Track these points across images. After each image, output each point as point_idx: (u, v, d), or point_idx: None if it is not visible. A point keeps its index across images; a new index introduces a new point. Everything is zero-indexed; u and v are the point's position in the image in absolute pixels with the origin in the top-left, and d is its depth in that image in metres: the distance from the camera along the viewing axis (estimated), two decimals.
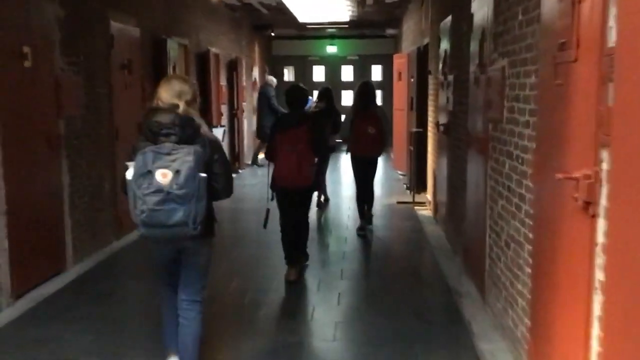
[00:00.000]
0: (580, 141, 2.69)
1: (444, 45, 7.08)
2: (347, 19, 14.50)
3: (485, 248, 4.64)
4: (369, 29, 16.78)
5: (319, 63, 19.38)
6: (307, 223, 5.90)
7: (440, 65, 7.35)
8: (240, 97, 13.29)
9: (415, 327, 4.51)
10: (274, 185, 5.56)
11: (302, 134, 5.42)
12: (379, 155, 7.44)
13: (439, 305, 5.08)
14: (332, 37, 18.44)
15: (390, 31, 16.18)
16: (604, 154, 2.41)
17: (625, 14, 2.18)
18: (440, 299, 5.20)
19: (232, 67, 12.83)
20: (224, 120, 11.79)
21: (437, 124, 7.62)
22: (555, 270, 3.00)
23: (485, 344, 4.10)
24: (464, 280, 5.41)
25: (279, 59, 19.22)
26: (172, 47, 8.78)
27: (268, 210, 5.54)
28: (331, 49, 19.00)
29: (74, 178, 5.99)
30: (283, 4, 11.90)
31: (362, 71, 18.75)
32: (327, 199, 9.24)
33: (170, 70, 8.47)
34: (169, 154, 3.07)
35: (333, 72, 19.13)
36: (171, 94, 3.27)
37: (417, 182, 9.39)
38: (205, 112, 9.77)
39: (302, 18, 14.12)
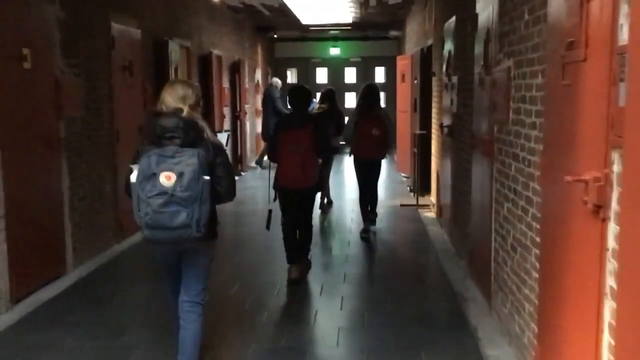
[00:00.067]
0: (589, 143, 2.62)
1: (448, 46, 7.02)
2: (350, 20, 14.47)
3: (491, 252, 4.57)
4: (372, 31, 16.73)
5: (321, 65, 19.34)
6: (311, 225, 5.84)
7: (444, 67, 7.29)
8: (243, 99, 13.26)
9: (420, 332, 4.43)
10: (277, 185, 5.52)
11: (305, 135, 5.39)
12: (382, 157, 7.40)
13: (444, 310, 5.01)
14: (335, 39, 18.39)
15: (393, 33, 16.14)
16: (615, 156, 2.35)
17: (638, 11, 2.11)
18: (445, 303, 5.13)
19: (235, 69, 12.80)
20: (227, 123, 11.74)
21: (441, 126, 7.56)
22: (564, 275, 2.93)
23: (491, 350, 4.04)
24: (469, 285, 5.34)
25: (281, 61, 19.19)
26: (174, 48, 8.73)
27: (270, 211, 5.51)
28: (334, 51, 18.97)
29: (74, 180, 5.94)
30: (285, 6, 11.86)
31: (365, 73, 18.71)
32: (330, 202, 9.19)
33: (172, 72, 8.43)
34: (172, 157, 3.13)
35: (336, 74, 19.08)
36: (175, 98, 3.34)
37: (421, 185, 9.34)
38: (208, 114, 9.73)
39: (304, 20, 14.08)
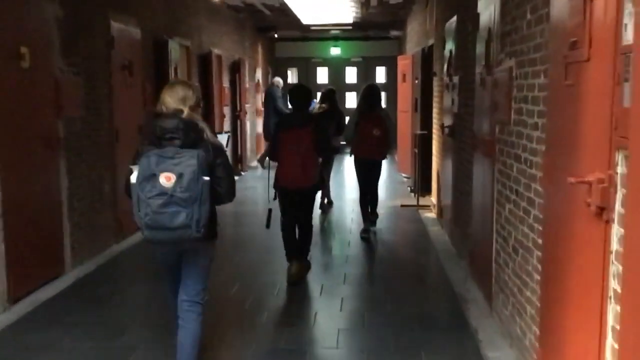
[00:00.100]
0: (593, 144, 2.59)
1: (449, 46, 6.99)
2: (350, 20, 14.44)
3: (492, 253, 4.55)
4: (373, 31, 16.70)
5: (322, 65, 19.31)
6: (311, 226, 5.82)
7: (445, 67, 7.27)
8: (243, 99, 13.23)
9: (420, 334, 4.41)
10: (277, 184, 5.51)
11: (306, 135, 5.39)
12: (383, 157, 7.37)
13: (444, 311, 4.98)
14: (335, 38, 18.36)
15: (394, 32, 16.11)
16: (619, 157, 2.32)
17: None
18: (446, 304, 5.10)
19: (235, 69, 12.77)
20: (227, 122, 11.71)
21: (442, 126, 7.54)
22: (566, 278, 2.90)
23: (492, 352, 4.01)
24: (470, 286, 5.31)
25: (282, 61, 19.15)
26: (174, 48, 8.71)
27: (270, 210, 5.50)
28: (335, 51, 18.94)
29: (73, 180, 5.91)
30: (286, 6, 11.83)
31: (366, 73, 18.68)
32: (330, 202, 9.17)
33: (171, 72, 8.40)
34: (172, 157, 3.14)
35: (337, 74, 19.05)
36: (175, 99, 3.34)
37: (422, 185, 9.31)
38: (208, 114, 9.71)
39: (305, 19, 14.05)
